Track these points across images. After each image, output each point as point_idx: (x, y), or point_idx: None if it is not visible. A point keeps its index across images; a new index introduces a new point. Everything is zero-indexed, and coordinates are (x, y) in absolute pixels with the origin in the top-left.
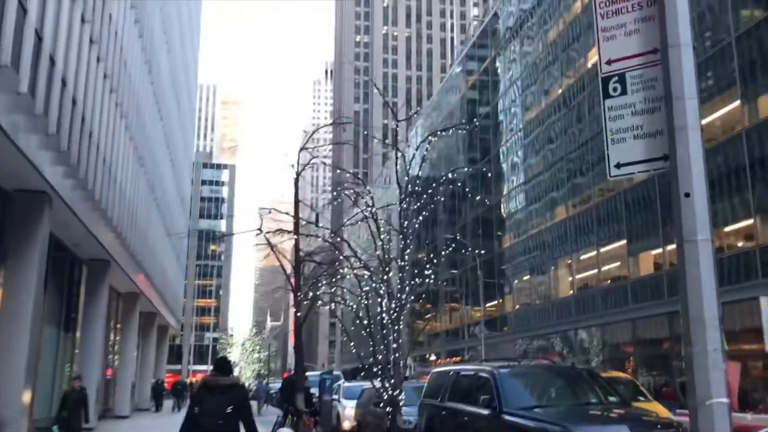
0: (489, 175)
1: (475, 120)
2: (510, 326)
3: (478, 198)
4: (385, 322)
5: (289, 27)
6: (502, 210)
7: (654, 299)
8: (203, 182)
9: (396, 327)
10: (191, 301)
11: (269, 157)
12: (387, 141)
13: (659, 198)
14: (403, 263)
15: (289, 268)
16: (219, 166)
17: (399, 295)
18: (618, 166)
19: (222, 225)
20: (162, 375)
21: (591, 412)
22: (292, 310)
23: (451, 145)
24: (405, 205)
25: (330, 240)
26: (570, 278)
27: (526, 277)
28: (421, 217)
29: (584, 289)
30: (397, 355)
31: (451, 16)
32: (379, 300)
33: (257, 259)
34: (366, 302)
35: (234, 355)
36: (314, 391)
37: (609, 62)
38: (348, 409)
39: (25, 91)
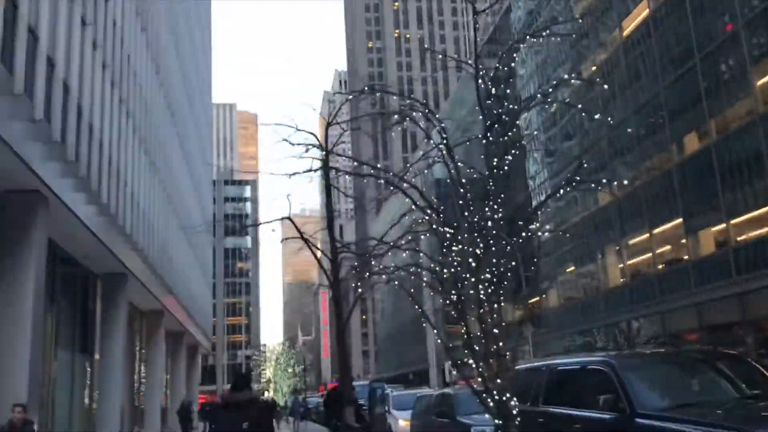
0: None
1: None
2: (554, 323)
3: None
4: (481, 296)
5: (300, 34)
6: (534, 200)
7: (721, 280)
8: (226, 200)
9: (496, 303)
10: (222, 319)
11: (290, 169)
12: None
13: (718, 167)
14: (498, 214)
15: (324, 263)
16: (241, 182)
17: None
18: None
19: (248, 241)
20: (195, 397)
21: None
22: (323, 323)
23: (471, 148)
24: (490, 137)
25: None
26: (620, 265)
27: (569, 269)
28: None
29: (638, 276)
30: (500, 344)
31: (464, 14)
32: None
33: (285, 274)
34: (453, 270)
35: (268, 371)
36: (361, 402)
37: None
38: (401, 422)
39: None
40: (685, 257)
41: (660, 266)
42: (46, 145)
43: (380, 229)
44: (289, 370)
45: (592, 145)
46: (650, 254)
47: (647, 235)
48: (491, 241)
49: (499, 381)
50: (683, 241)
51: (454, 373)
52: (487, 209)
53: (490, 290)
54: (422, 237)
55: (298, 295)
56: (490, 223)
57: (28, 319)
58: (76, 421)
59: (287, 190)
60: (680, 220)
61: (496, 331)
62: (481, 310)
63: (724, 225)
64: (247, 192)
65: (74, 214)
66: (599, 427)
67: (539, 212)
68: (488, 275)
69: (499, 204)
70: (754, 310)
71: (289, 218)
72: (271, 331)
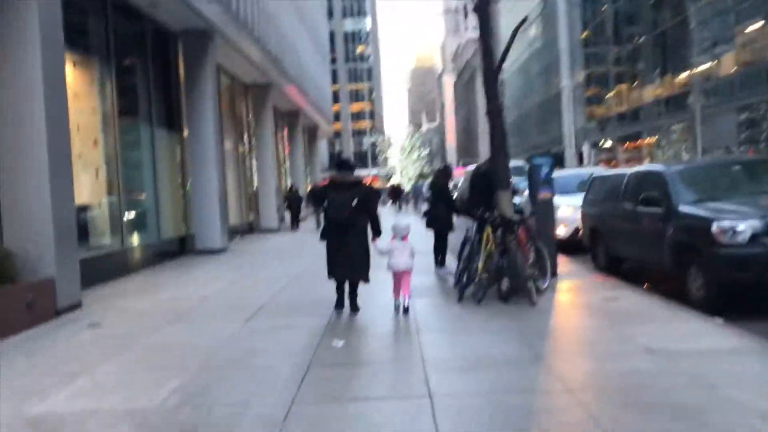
0: None
1: None
2: (728, 93)
3: None
4: None
5: None
6: None
7: None
8: None
9: None
10: (346, 106)
11: None
12: None
13: None
14: None
15: None
16: None
17: None
18: None
19: (367, 23)
20: (316, 181)
21: None
22: (449, 106)
23: None
24: None
25: None
26: None
27: (755, 26)
28: None
29: None
30: None
31: None
32: None
33: (408, 61)
34: None
35: (393, 157)
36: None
37: None
38: (565, 209)
39: None
40: None
41: None
42: None
43: None
44: (414, 155)
45: None
46: None
47: None
48: None
49: None
50: None
51: (593, 154)
52: None
53: None
54: None
55: (421, 81)
56: None
57: (37, 70)
58: (167, 207)
59: None
60: None
61: None
62: None
63: None
64: None
65: None
66: None
67: None
68: None
69: None
70: None
71: None
72: (396, 118)
